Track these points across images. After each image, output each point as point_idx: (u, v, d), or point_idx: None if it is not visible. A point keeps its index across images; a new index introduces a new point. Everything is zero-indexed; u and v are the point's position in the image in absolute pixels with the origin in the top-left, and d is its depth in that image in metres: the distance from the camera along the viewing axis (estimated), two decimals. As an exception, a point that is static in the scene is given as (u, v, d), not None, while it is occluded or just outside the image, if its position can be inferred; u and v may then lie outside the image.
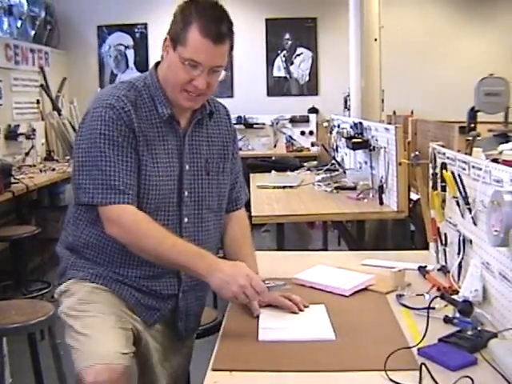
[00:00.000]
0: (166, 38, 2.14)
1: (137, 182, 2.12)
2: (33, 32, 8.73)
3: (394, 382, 1.67)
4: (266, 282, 2.08)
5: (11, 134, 7.13)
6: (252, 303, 2.17)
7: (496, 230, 1.90)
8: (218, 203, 2.34)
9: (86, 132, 2.13)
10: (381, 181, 4.44)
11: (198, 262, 2.04)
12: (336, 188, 5.04)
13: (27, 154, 7.33)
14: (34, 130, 7.51)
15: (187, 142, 2.24)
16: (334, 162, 6.08)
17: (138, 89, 2.18)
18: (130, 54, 9.66)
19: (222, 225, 2.42)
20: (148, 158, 2.13)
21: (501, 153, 2.92)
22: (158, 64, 2.26)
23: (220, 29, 2.07)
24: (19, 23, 8.45)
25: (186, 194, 2.23)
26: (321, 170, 6.02)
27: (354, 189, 4.94)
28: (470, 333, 1.92)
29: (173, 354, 2.37)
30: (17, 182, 5.79)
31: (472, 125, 5.54)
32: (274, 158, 7.34)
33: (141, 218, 2.09)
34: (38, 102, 8.12)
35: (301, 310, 2.19)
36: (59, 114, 8.28)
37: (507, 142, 3.87)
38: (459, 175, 2.36)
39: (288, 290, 2.22)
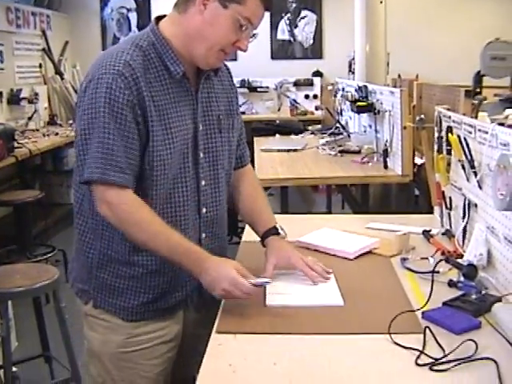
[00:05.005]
0: None
1: (148, 156, 1.95)
2: (34, -5, 8.66)
3: (398, 344, 1.68)
4: (250, 280, 1.92)
5: (14, 99, 7.11)
6: (266, 268, 2.11)
7: (502, 194, 1.89)
8: (228, 161, 2.23)
9: (88, 101, 1.91)
10: (385, 144, 4.42)
11: (191, 262, 1.96)
12: (340, 152, 5.03)
13: (30, 118, 7.31)
14: (36, 94, 7.49)
15: (200, 100, 2.10)
16: (338, 125, 6.06)
17: (143, 48, 1.97)
18: (133, 17, 9.58)
19: (231, 183, 2.31)
20: (160, 127, 1.96)
21: (507, 117, 2.90)
22: (158, 19, 2.07)
23: None
24: (20, -14, 8.38)
25: (202, 155, 2.11)
26: (325, 133, 6.01)
27: (358, 152, 4.93)
28: (474, 297, 1.92)
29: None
30: (20, 147, 5.78)
31: (478, 89, 5.51)
32: (277, 122, 7.32)
33: (135, 208, 1.94)
34: (40, 65, 8.09)
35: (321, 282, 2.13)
36: (62, 78, 8.23)
37: (513, 106, 3.84)
38: (465, 138, 2.34)
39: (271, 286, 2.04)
